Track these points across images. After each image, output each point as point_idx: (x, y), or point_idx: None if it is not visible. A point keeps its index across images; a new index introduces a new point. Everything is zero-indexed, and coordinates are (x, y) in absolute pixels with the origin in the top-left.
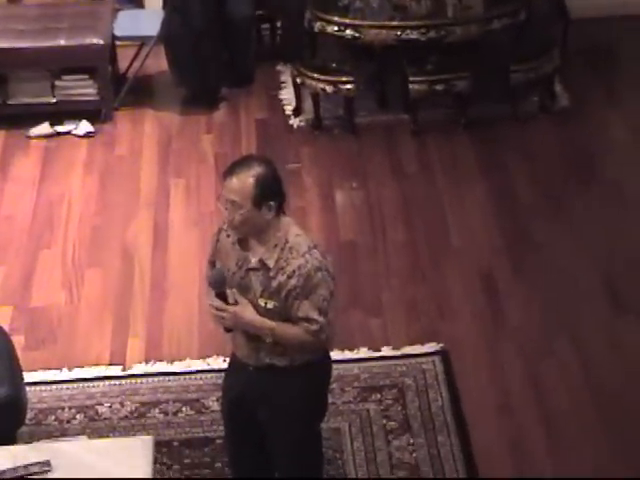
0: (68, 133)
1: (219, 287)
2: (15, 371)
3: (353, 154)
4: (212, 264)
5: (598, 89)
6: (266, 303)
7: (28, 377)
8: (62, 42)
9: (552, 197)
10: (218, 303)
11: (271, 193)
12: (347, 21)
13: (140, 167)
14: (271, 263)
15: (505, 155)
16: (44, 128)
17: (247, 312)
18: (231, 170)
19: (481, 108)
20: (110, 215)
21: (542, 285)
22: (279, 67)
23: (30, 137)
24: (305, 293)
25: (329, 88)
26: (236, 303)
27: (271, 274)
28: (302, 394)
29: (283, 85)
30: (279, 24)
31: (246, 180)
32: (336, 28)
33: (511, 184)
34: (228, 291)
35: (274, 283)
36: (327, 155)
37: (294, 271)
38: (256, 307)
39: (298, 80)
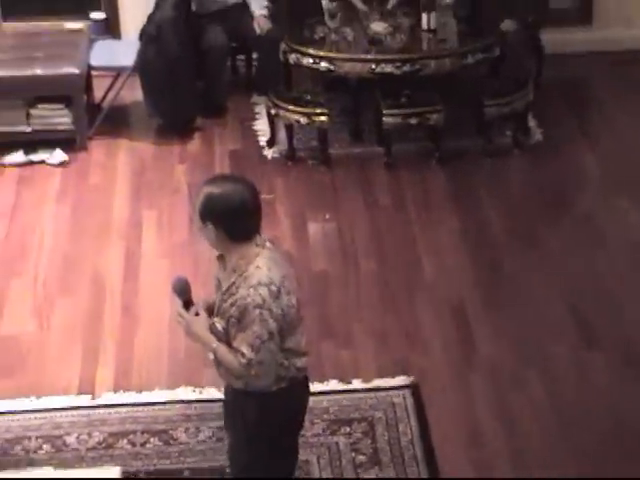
0: (42, 162)
1: (180, 294)
2: None
3: (326, 185)
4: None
5: (571, 124)
6: (218, 323)
7: None
8: (38, 71)
9: (524, 231)
10: (180, 310)
11: (211, 215)
12: (322, 53)
13: (113, 197)
14: (225, 285)
15: (478, 189)
16: (18, 156)
17: (197, 325)
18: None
19: (455, 142)
20: (82, 244)
21: (513, 317)
22: (254, 99)
23: (4, 165)
24: (241, 325)
25: (303, 120)
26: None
27: (224, 296)
28: (253, 421)
29: (258, 116)
30: (254, 55)
31: (201, 194)
32: (311, 60)
33: (483, 217)
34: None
35: (224, 305)
36: (300, 186)
37: (236, 300)
38: (213, 324)
39: (272, 111)
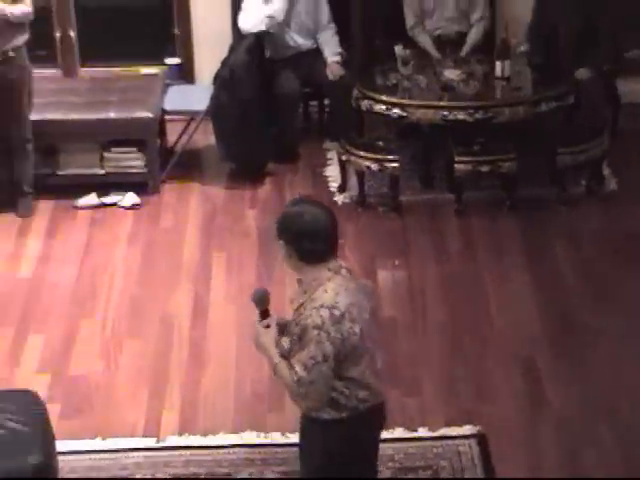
0: (114, 204)
1: (258, 303)
2: (47, 439)
3: (396, 232)
4: None
5: None
6: (284, 341)
7: (61, 446)
8: (112, 115)
9: (597, 282)
10: (256, 317)
11: (284, 232)
12: (394, 100)
13: (183, 239)
14: (295, 305)
15: (551, 238)
16: (91, 199)
17: (266, 337)
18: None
19: (528, 190)
20: (151, 286)
21: (585, 371)
22: (326, 145)
23: (77, 207)
24: (300, 344)
25: (374, 166)
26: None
27: (294, 316)
28: (318, 450)
29: (329, 162)
30: (327, 102)
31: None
32: (383, 107)
33: (556, 267)
34: None
35: (291, 324)
36: (370, 232)
37: (300, 320)
38: (280, 340)
39: (344, 157)
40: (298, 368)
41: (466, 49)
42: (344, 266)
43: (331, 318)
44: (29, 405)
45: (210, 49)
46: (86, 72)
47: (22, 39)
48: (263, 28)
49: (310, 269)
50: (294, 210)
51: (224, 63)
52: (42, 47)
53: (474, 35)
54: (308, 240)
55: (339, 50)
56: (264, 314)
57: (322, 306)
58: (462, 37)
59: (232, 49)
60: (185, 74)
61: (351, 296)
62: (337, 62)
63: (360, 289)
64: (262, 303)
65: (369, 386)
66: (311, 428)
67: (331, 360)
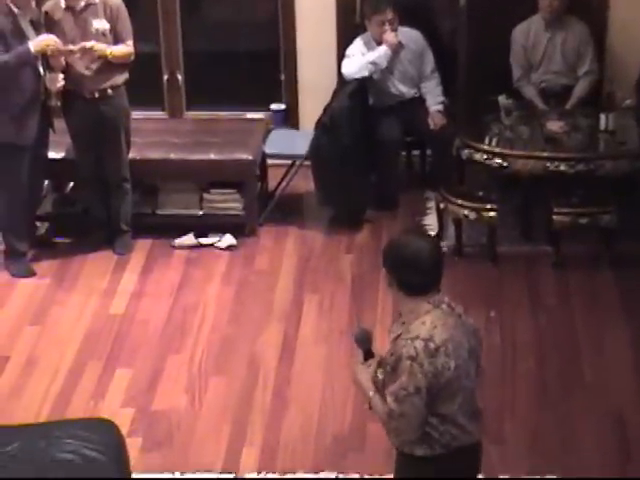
0: (211, 245)
1: (361, 343)
2: (122, 469)
3: (492, 283)
4: None
5: None
6: (380, 373)
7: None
8: (212, 156)
9: None
10: (359, 358)
11: (387, 261)
12: (496, 150)
13: (277, 281)
14: (393, 336)
15: None
16: (188, 239)
17: (362, 374)
18: None
19: (628, 245)
20: (241, 325)
21: None
22: (427, 194)
23: (174, 247)
24: (393, 375)
25: (472, 215)
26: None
27: (390, 347)
28: None
29: (428, 211)
30: (429, 151)
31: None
32: (484, 156)
33: None
34: None
35: (387, 356)
36: (466, 282)
37: (396, 350)
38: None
39: (441, 205)
40: (390, 399)
41: (572, 102)
42: (446, 301)
43: (425, 350)
44: (107, 435)
45: (315, 95)
46: (191, 115)
47: (122, 79)
48: (366, 74)
49: (409, 300)
50: (401, 239)
51: (326, 108)
52: (149, 89)
53: (581, 88)
54: (409, 271)
55: (442, 99)
56: (368, 354)
57: (417, 337)
58: (568, 90)
59: (335, 95)
60: (290, 119)
61: (449, 331)
62: (439, 111)
63: (459, 326)
64: (365, 343)
65: (462, 426)
66: (404, 463)
67: (423, 393)
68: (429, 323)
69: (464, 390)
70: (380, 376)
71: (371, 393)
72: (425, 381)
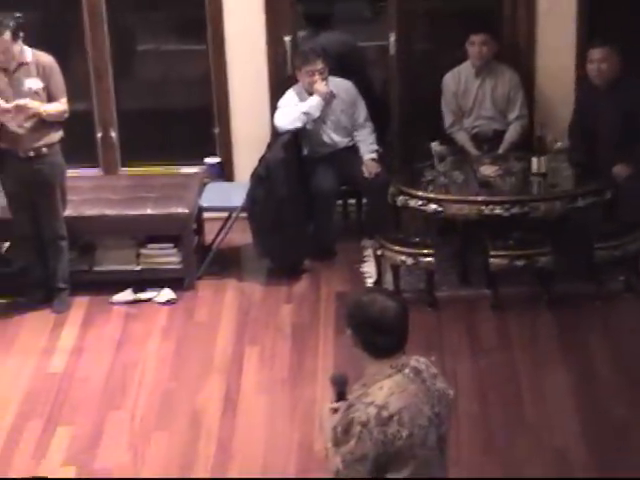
0: (150, 300)
1: (337, 385)
2: None
3: (432, 327)
4: None
5: None
6: (340, 426)
7: None
8: (149, 211)
9: (635, 379)
10: (331, 398)
11: (350, 320)
12: (431, 195)
13: (217, 334)
14: (352, 396)
15: (587, 334)
16: (127, 295)
17: (328, 422)
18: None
19: (565, 285)
20: (182, 379)
21: (620, 466)
22: (364, 242)
23: (113, 303)
24: (345, 436)
25: (409, 260)
26: None
27: (348, 404)
28: None
29: (366, 259)
30: (365, 199)
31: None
32: (420, 202)
33: (592, 363)
34: None
35: (343, 412)
36: None
37: (350, 412)
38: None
39: (379, 252)
40: (337, 460)
41: (504, 147)
42: (411, 365)
43: (377, 418)
44: None
45: (249, 147)
46: (126, 171)
47: (56, 137)
48: (299, 125)
49: (372, 362)
50: (365, 298)
51: (261, 160)
52: (84, 147)
53: (512, 133)
54: (373, 332)
55: (375, 147)
56: (340, 396)
57: (372, 403)
58: (500, 135)
59: (269, 146)
60: (225, 172)
61: (406, 399)
62: (373, 159)
63: (421, 393)
64: (340, 385)
65: None
66: None
67: (368, 462)
68: (386, 389)
69: (416, 459)
70: (339, 428)
71: (329, 444)
72: (374, 449)
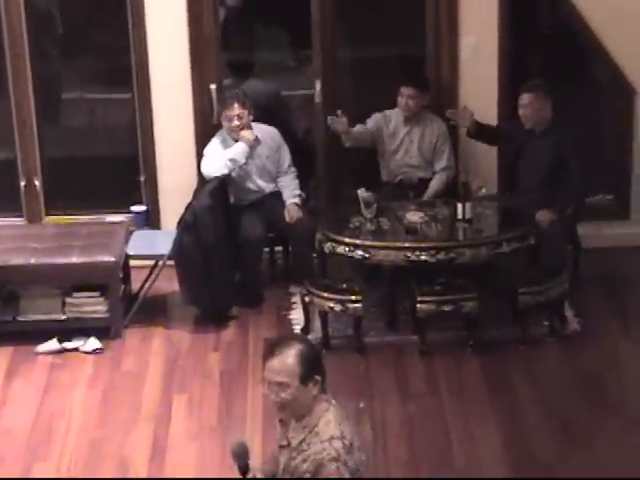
0: (76, 349)
1: (238, 458)
2: None
3: (360, 374)
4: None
5: (609, 316)
6: None
7: None
8: (74, 260)
9: (559, 423)
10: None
11: (315, 367)
12: (357, 242)
13: (144, 382)
14: (294, 443)
15: (512, 378)
16: (52, 344)
17: None
18: (272, 351)
19: (490, 330)
20: (109, 428)
21: None
22: (291, 289)
23: (37, 353)
24: None
25: (337, 307)
26: None
27: (293, 454)
28: None
29: (294, 306)
30: (291, 246)
31: (289, 359)
32: (346, 248)
33: (517, 406)
34: None
35: (293, 463)
36: (334, 374)
37: (309, 456)
38: None
39: (306, 299)
40: None
41: (428, 194)
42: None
43: (344, 448)
44: None
45: (176, 195)
46: (51, 220)
47: None
48: (226, 172)
49: (313, 400)
50: (306, 345)
51: (187, 207)
52: (7, 196)
53: (437, 182)
54: (322, 367)
55: (298, 192)
56: (244, 469)
57: (333, 438)
58: (425, 183)
59: (196, 194)
60: (151, 220)
61: (349, 425)
62: (295, 204)
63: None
64: (243, 458)
65: None
66: None
67: None
68: (333, 421)
69: None
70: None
71: None
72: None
